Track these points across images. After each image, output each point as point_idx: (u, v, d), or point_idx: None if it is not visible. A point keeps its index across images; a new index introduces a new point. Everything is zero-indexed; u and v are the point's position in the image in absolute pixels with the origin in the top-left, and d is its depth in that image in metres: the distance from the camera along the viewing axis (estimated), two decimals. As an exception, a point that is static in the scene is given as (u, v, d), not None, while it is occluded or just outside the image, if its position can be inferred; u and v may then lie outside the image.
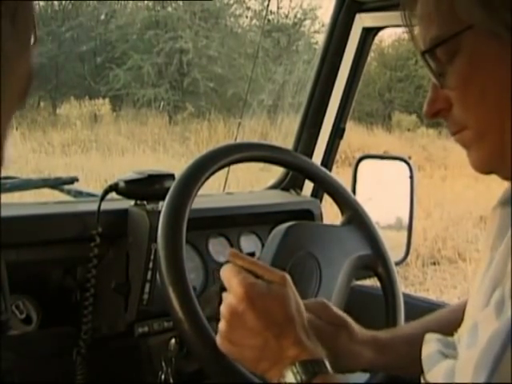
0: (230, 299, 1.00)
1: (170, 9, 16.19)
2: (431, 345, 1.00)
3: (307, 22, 17.07)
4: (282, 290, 1.01)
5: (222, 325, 1.00)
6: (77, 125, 13.04)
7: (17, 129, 11.06)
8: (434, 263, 7.15)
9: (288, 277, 1.04)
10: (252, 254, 1.74)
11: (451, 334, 1.01)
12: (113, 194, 1.57)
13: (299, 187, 2.07)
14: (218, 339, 1.01)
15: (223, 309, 1.00)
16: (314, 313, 1.14)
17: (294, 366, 0.93)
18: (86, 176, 8.01)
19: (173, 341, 1.54)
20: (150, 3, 15.97)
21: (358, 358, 1.19)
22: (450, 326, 1.06)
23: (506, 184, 0.94)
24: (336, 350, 1.15)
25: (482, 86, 0.86)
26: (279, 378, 0.95)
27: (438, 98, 0.91)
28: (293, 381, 0.92)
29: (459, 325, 0.98)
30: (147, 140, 12.56)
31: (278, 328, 0.97)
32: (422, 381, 1.00)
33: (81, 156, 11.14)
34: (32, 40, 0.44)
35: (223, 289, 1.04)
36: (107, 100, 14.77)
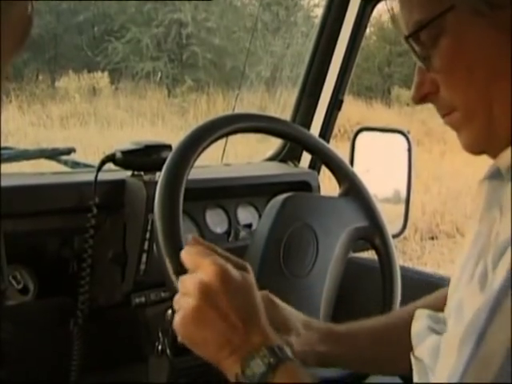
0: (201, 277, 0.92)
1: (169, -19, 16.07)
2: (421, 321, 1.00)
3: (307, -5, 16.97)
4: (249, 278, 0.97)
5: (190, 303, 0.92)
6: (75, 98, 12.98)
7: (13, 101, 11.01)
8: (432, 238, 7.16)
9: (249, 266, 1.00)
10: (249, 226, 1.75)
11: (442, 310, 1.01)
12: (110, 165, 1.56)
13: (297, 159, 2.06)
14: (180, 320, 0.93)
15: (191, 287, 0.92)
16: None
17: (261, 351, 0.89)
18: (85, 149, 7.98)
19: (170, 311, 1.54)
20: (149, -25, 15.83)
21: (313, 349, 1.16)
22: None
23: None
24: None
25: (467, 66, 0.85)
26: (237, 369, 0.90)
27: (425, 81, 0.91)
28: (260, 364, 0.88)
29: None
30: (146, 113, 12.51)
31: (246, 313, 0.93)
32: (412, 357, 1.00)
33: (79, 129, 11.09)
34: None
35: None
36: (106, 73, 14.68)
